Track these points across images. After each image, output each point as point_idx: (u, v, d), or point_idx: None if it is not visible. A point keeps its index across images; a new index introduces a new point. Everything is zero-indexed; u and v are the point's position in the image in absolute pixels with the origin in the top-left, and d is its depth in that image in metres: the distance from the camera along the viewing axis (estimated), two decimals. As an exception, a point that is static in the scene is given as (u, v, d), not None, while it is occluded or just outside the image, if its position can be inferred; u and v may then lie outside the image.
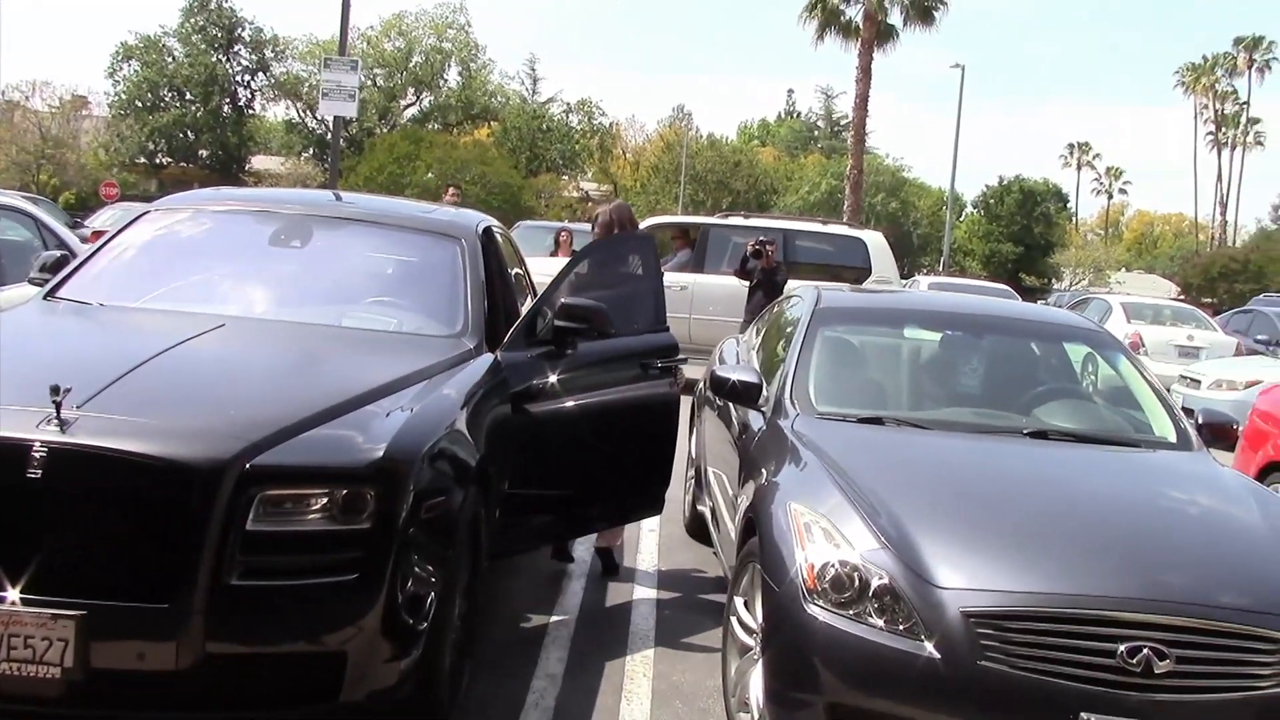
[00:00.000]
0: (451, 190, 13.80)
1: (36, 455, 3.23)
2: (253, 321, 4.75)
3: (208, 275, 5.34)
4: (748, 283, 12.88)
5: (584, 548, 6.61)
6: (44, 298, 4.95)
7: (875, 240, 15.22)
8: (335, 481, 3.45)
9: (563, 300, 5.21)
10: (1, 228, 7.49)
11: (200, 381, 3.98)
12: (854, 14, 38.77)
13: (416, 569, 3.59)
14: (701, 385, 7.22)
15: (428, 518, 3.65)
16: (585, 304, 5.21)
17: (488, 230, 5.90)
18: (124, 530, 3.31)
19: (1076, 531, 3.97)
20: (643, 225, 16.95)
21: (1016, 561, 3.71)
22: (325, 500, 3.42)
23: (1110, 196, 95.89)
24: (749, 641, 4.18)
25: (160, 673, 3.28)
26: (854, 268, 14.37)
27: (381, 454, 3.53)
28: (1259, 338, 18.30)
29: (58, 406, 3.31)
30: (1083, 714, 3.32)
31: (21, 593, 3.20)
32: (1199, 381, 12.89)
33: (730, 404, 5.67)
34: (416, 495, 3.58)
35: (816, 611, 3.64)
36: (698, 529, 6.79)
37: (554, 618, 5.42)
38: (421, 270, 5.47)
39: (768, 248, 12.66)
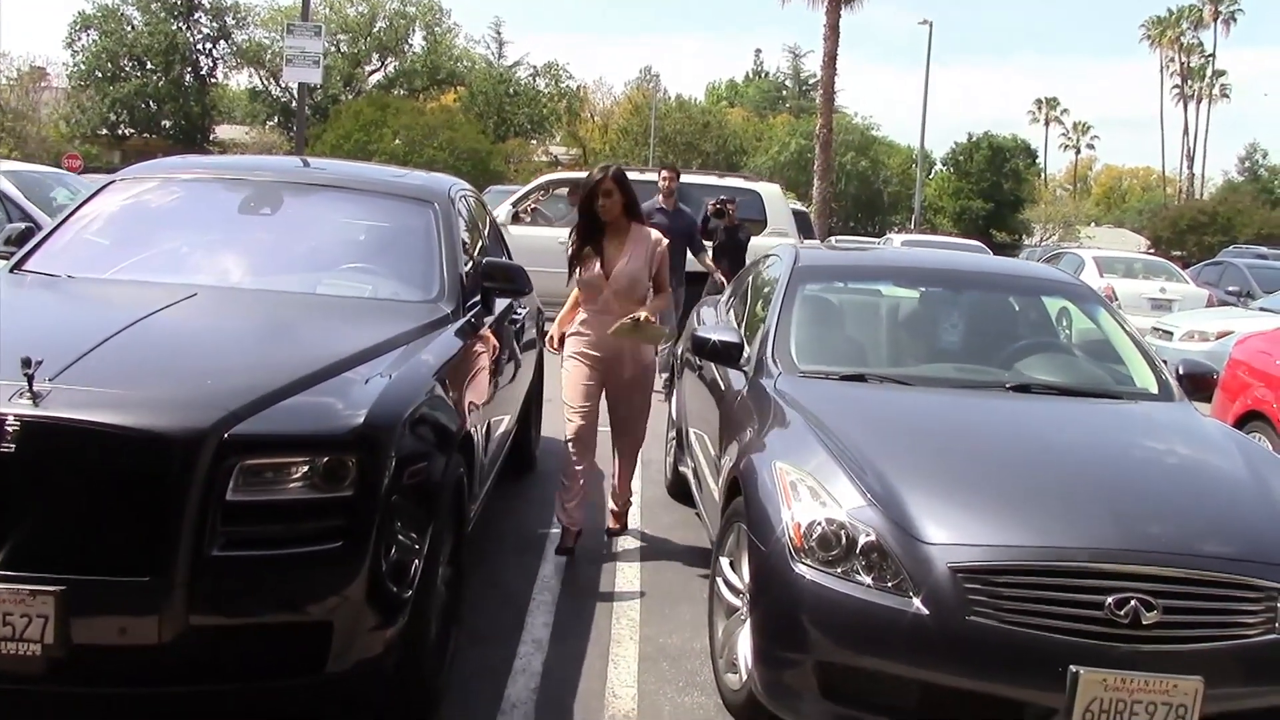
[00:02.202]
0: (665, 173, 11.65)
1: (9, 429, 3.16)
2: (225, 290, 4.68)
3: (177, 244, 5.25)
4: (710, 243, 12.65)
5: (565, 512, 6.59)
6: (10, 270, 4.86)
7: (770, 192, 15.27)
8: (316, 449, 3.39)
9: (486, 260, 5.64)
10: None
11: (175, 351, 3.91)
12: (821, -29, 38.54)
13: (400, 536, 3.54)
14: (681, 347, 7.18)
15: (410, 484, 3.60)
16: (504, 264, 5.66)
17: (460, 194, 5.83)
18: (102, 504, 3.24)
19: (1062, 484, 3.97)
20: (539, 181, 16.91)
21: (1003, 516, 3.70)
22: (306, 469, 3.36)
23: (1078, 151, 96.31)
24: (735, 602, 4.17)
25: (143, 646, 3.23)
26: (750, 220, 14.32)
27: (362, 420, 3.47)
28: (1230, 289, 18.41)
29: (29, 379, 3.23)
30: (1071, 666, 3.32)
31: (-1, 569, 3.14)
32: (1171, 333, 12.97)
33: (711, 365, 5.65)
34: (398, 461, 3.53)
35: (804, 570, 3.63)
36: (680, 490, 6.78)
37: (539, 583, 5.40)
38: (395, 235, 5.40)
39: (729, 206, 12.41)
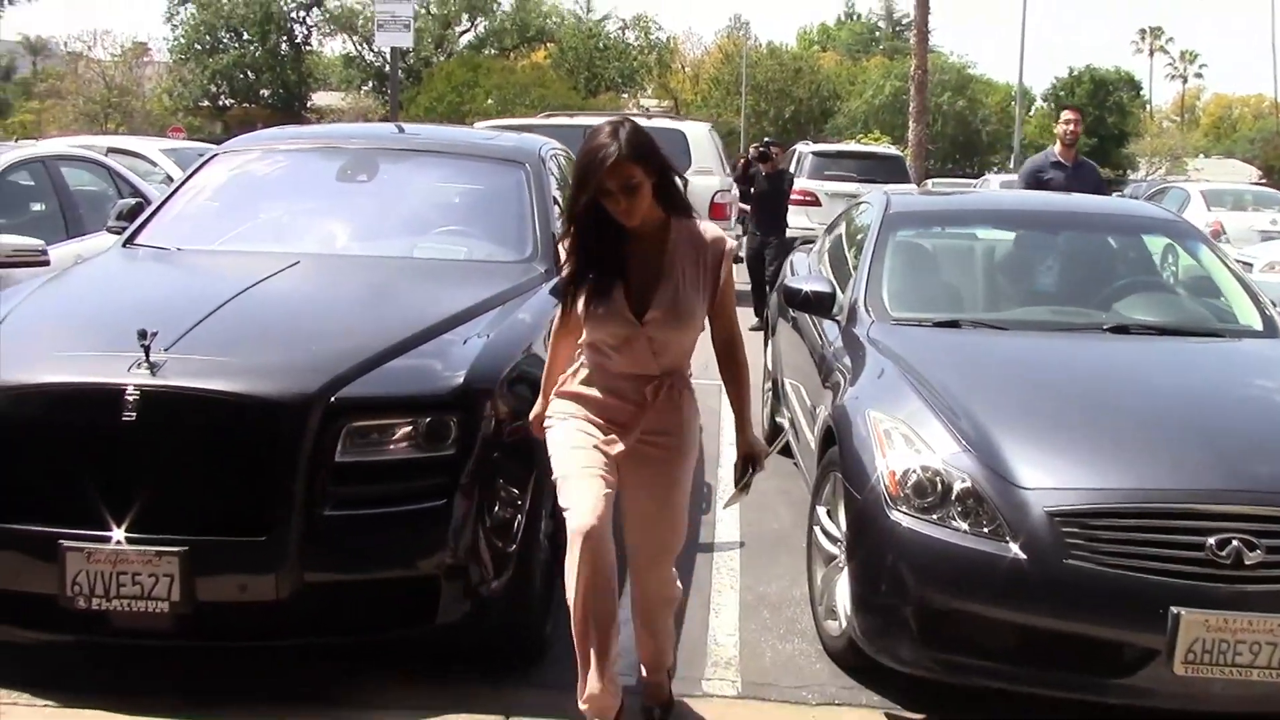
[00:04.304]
0: (1068, 114, 8.70)
1: (130, 398, 3.34)
2: (327, 257, 4.81)
3: (279, 214, 5.41)
4: (750, 189, 12.17)
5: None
6: (123, 245, 5.05)
7: (696, 131, 14.91)
8: (419, 410, 3.51)
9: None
10: (78, 179, 7.62)
11: (281, 319, 4.06)
12: (911, -93, 37.73)
13: (502, 492, 3.65)
14: (774, 297, 7.20)
15: (510, 441, 3.69)
16: None
17: (551, 153, 5.89)
18: (219, 467, 3.41)
19: (1161, 425, 3.93)
20: (479, 126, 16.79)
21: (1100, 458, 3.68)
22: (410, 429, 3.49)
23: (1185, 81, 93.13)
24: (833, 550, 4.21)
25: (262, 603, 3.40)
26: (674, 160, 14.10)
27: (462, 380, 3.58)
28: (1345, 219, 17.77)
29: (146, 350, 3.39)
30: (1173, 608, 3.30)
31: (127, 532, 3.31)
32: (1250, 265, 12.57)
33: (804, 314, 5.65)
34: (498, 419, 3.64)
35: (900, 517, 3.65)
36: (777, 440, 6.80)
37: (639, 534, 5.48)
38: (488, 197, 5.49)
39: (773, 149, 11.85)
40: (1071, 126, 8.55)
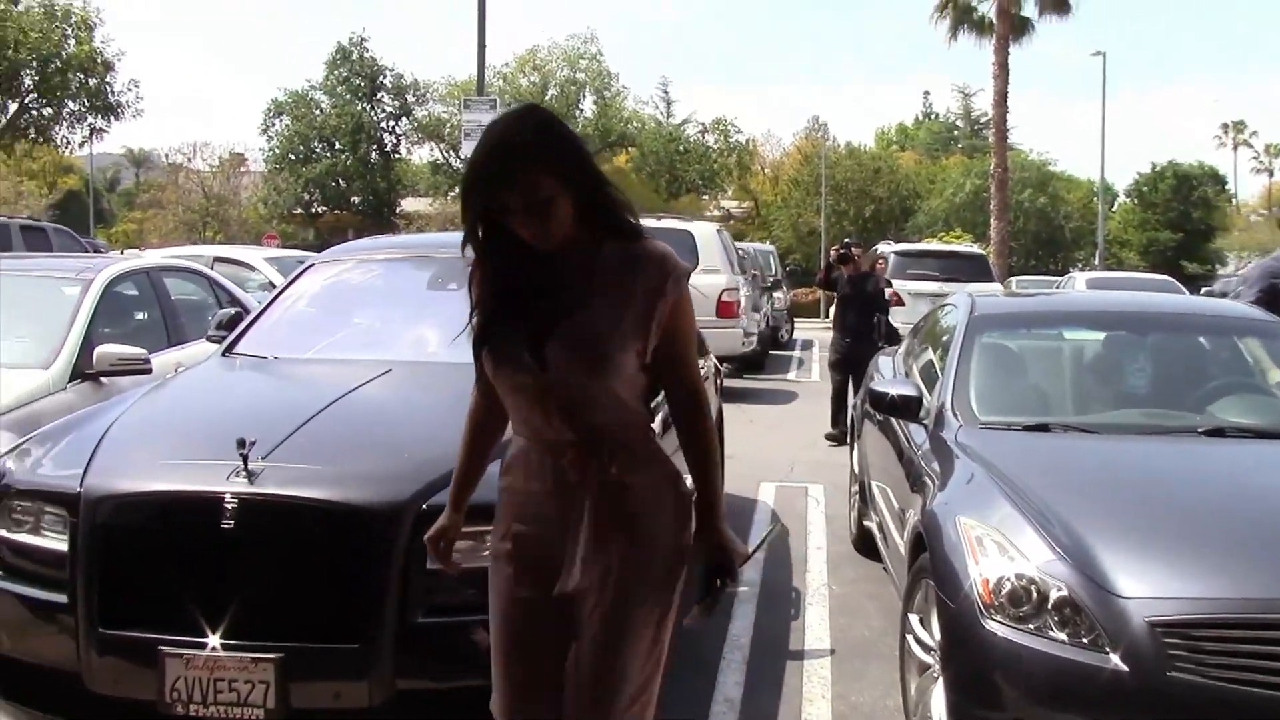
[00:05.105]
0: None
1: (228, 506, 3.42)
2: (418, 365, 4.91)
3: (372, 322, 5.54)
4: (833, 293, 11.74)
5: (754, 570, 6.62)
6: (222, 354, 5.21)
7: (704, 231, 15.14)
8: (507, 517, 3.53)
9: None
10: (180, 288, 7.88)
11: (373, 426, 4.14)
12: (986, 10, 38.26)
13: (591, 599, 3.64)
14: (860, 400, 7.17)
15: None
16: None
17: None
18: (313, 574, 3.47)
19: (1264, 531, 3.82)
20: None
21: (1201, 566, 3.60)
22: (499, 536, 3.50)
23: (1271, 174, 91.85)
24: (927, 659, 4.14)
25: (355, 710, 3.42)
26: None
27: (549, 487, 3.60)
28: None
29: (245, 459, 3.48)
30: (1283, 723, 3.20)
31: (222, 639, 3.37)
32: None
33: (890, 418, 5.62)
34: (586, 526, 3.64)
35: (995, 627, 3.58)
36: (865, 545, 6.73)
37: (729, 641, 5.43)
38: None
39: (854, 250, 11.25)
40: None
